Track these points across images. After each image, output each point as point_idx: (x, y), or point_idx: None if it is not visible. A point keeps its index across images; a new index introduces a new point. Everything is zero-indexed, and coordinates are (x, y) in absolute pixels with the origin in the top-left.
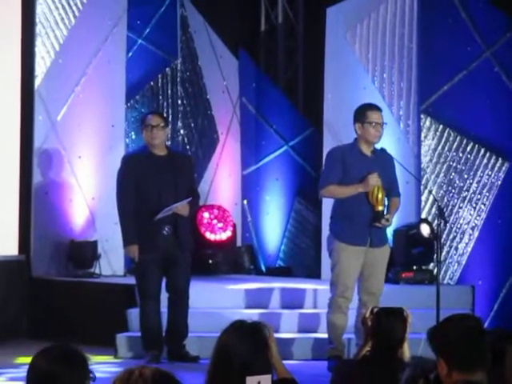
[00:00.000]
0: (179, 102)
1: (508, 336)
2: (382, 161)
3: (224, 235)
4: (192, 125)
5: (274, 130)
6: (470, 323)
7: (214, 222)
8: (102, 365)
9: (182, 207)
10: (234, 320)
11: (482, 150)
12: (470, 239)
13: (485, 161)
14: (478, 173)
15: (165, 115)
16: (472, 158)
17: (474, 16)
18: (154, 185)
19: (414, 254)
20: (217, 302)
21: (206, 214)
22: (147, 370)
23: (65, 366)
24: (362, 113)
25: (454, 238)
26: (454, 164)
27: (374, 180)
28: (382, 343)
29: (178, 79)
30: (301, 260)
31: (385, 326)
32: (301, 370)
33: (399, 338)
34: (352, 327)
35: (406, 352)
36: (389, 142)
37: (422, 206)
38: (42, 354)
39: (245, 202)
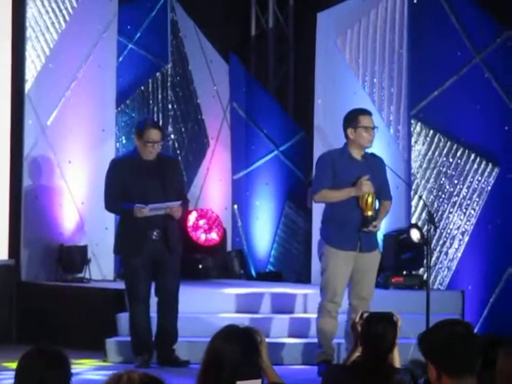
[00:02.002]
0: (169, 106)
1: (498, 341)
2: (373, 165)
3: (214, 240)
4: (182, 129)
5: (264, 134)
6: (460, 328)
7: (205, 226)
8: (91, 369)
9: (175, 209)
10: (225, 325)
11: (472, 156)
12: (459, 244)
13: (475, 166)
14: (468, 178)
15: (158, 120)
16: (462, 163)
17: (464, 21)
18: (141, 189)
19: (404, 259)
20: (207, 307)
21: (195, 219)
22: (135, 374)
23: (50, 368)
24: (354, 118)
25: (444, 243)
26: (444, 169)
27: (367, 187)
28: (372, 348)
29: (169, 84)
30: (291, 265)
31: (375, 331)
32: (291, 375)
33: (389, 343)
34: (342, 332)
35: (396, 357)
36: (379, 147)
37: (411, 211)
38: (26, 358)
39: (235, 206)
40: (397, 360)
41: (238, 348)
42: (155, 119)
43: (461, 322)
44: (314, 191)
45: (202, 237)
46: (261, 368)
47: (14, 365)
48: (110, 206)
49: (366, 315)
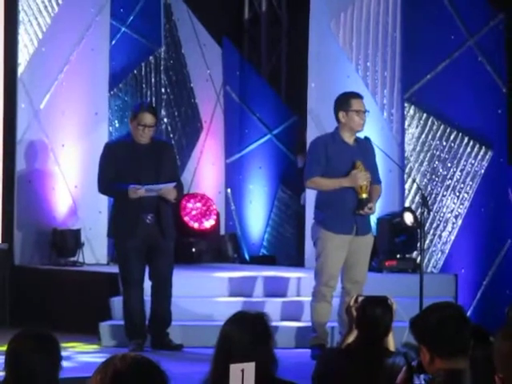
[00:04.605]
0: (163, 90)
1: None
2: (364, 149)
3: (207, 224)
4: (175, 113)
5: (257, 118)
6: (451, 311)
7: (199, 210)
8: (85, 353)
9: (168, 191)
10: (237, 311)
11: (466, 139)
12: (453, 228)
13: (468, 149)
14: (462, 161)
15: (153, 105)
16: (455, 146)
17: (458, 4)
18: (135, 173)
19: (398, 243)
20: (200, 291)
21: (189, 203)
22: (128, 356)
23: (39, 351)
24: (345, 101)
25: (438, 226)
26: (438, 152)
27: (363, 179)
28: (368, 332)
29: (162, 67)
30: (284, 248)
31: (371, 315)
32: (284, 358)
33: (386, 327)
34: (335, 315)
35: (391, 341)
36: (372, 130)
37: (405, 195)
38: (15, 341)
39: (228, 190)
40: (391, 344)
41: (248, 335)
42: (154, 106)
43: (452, 305)
44: (305, 177)
45: (196, 221)
46: (272, 354)
47: (5, 348)
48: (104, 188)
49: (360, 299)
